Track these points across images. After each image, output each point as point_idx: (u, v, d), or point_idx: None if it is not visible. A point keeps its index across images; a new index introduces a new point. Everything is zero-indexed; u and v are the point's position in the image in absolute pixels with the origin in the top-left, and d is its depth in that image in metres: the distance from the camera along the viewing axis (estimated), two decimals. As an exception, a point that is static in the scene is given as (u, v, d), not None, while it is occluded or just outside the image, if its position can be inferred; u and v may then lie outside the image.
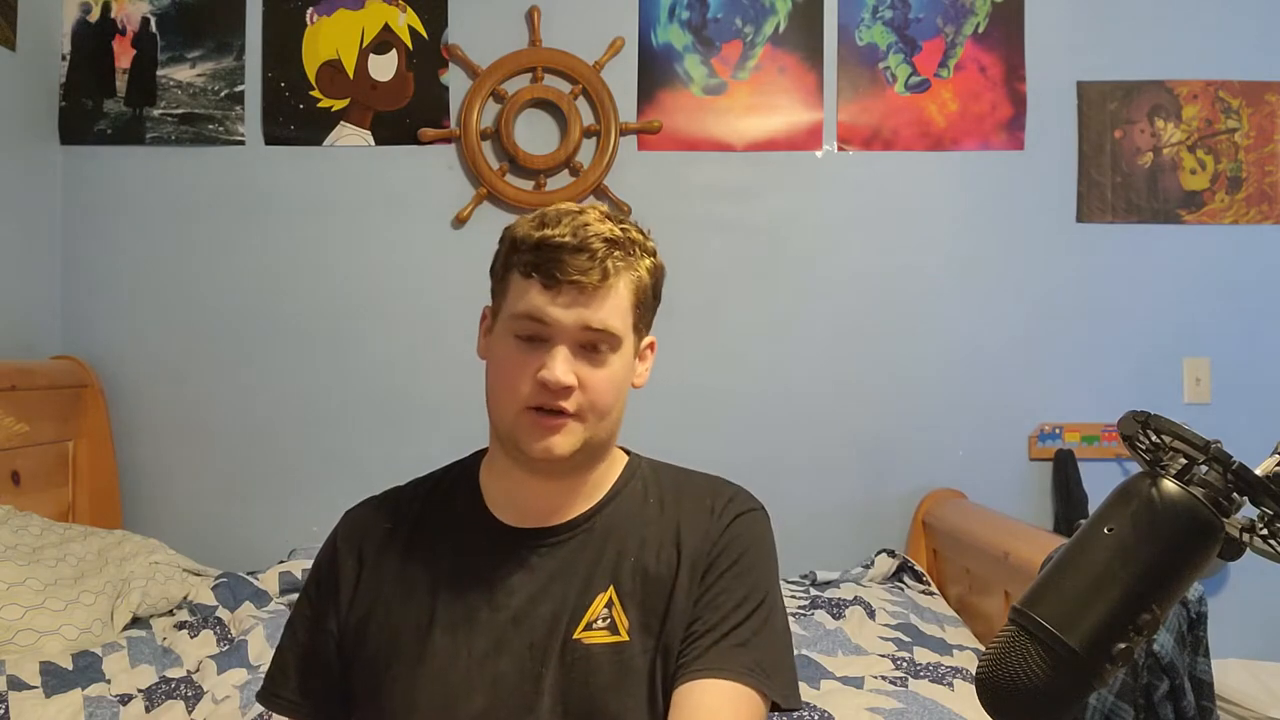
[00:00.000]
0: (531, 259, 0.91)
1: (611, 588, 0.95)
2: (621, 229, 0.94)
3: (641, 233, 0.97)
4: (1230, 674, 2.26)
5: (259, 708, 1.49)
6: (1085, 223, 2.59)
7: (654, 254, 0.98)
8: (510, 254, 0.94)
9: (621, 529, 0.98)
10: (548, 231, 0.91)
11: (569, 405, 0.91)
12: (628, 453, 1.06)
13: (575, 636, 0.93)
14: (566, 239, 0.90)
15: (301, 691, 1.01)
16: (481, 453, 1.05)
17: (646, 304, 0.97)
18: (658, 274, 0.99)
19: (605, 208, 0.97)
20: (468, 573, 0.97)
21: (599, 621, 0.93)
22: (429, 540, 1.00)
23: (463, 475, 1.04)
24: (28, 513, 2.00)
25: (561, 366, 0.90)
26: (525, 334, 0.92)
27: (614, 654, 0.92)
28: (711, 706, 0.89)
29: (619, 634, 0.93)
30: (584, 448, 0.94)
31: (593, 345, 0.92)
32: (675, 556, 0.96)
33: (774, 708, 0.94)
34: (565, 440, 0.92)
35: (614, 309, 0.92)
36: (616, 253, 0.92)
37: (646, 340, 1.01)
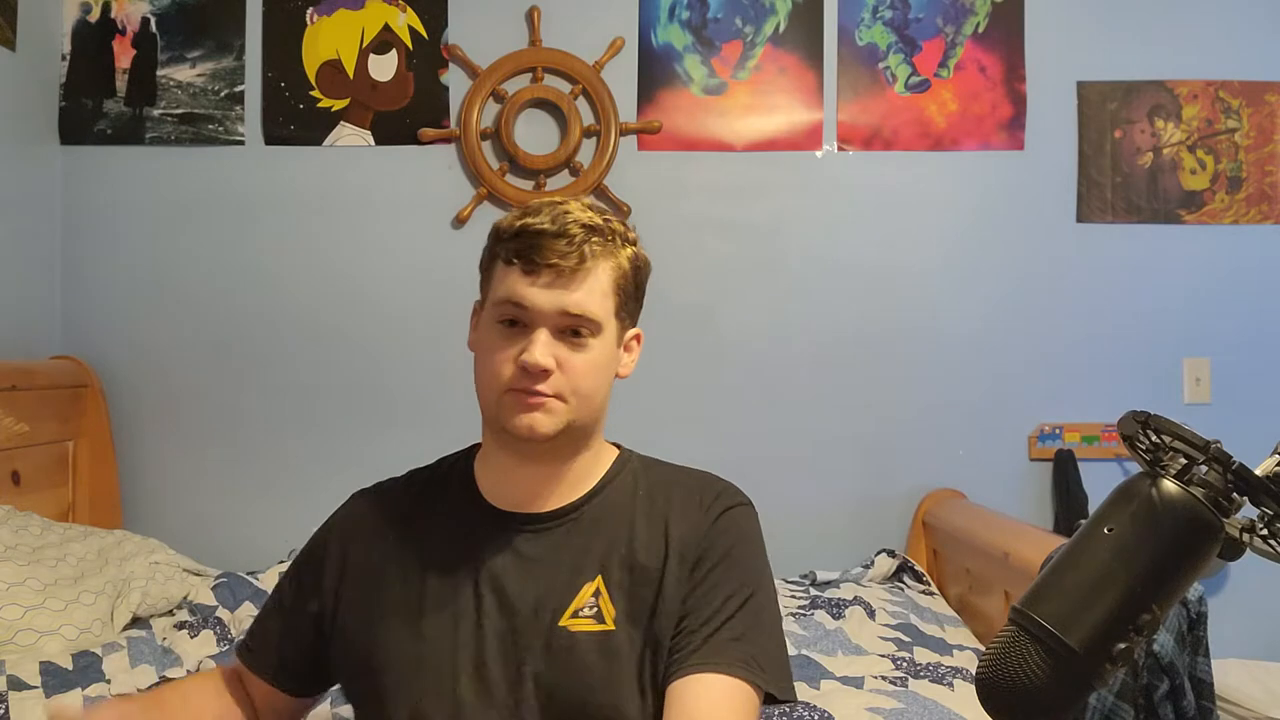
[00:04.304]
0: (513, 246, 0.94)
1: (599, 577, 0.96)
2: (603, 219, 0.96)
3: (623, 224, 0.99)
4: (1230, 674, 2.26)
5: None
6: (1085, 223, 2.59)
7: (635, 244, 1.00)
8: (495, 244, 0.97)
9: (610, 520, 0.99)
10: (529, 220, 0.94)
11: (548, 388, 0.93)
12: (619, 447, 1.07)
13: (561, 624, 0.93)
14: (545, 225, 0.92)
15: (278, 657, 1.05)
16: (475, 447, 1.07)
17: (628, 292, 0.99)
18: (639, 264, 1.00)
19: (589, 199, 1.00)
20: (454, 554, 0.98)
21: (585, 610, 0.94)
22: (420, 527, 1.02)
23: (456, 466, 1.06)
24: (28, 513, 2.00)
25: (541, 349, 0.92)
26: (507, 319, 0.94)
27: (599, 643, 0.93)
28: (707, 701, 0.89)
29: (605, 623, 0.94)
30: (567, 429, 0.95)
31: (572, 329, 0.94)
32: (664, 549, 0.97)
33: (769, 700, 0.94)
34: (548, 419, 0.93)
35: (592, 293, 0.94)
36: (595, 238, 0.94)
37: (632, 332, 1.02)
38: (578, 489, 1.01)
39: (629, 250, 0.98)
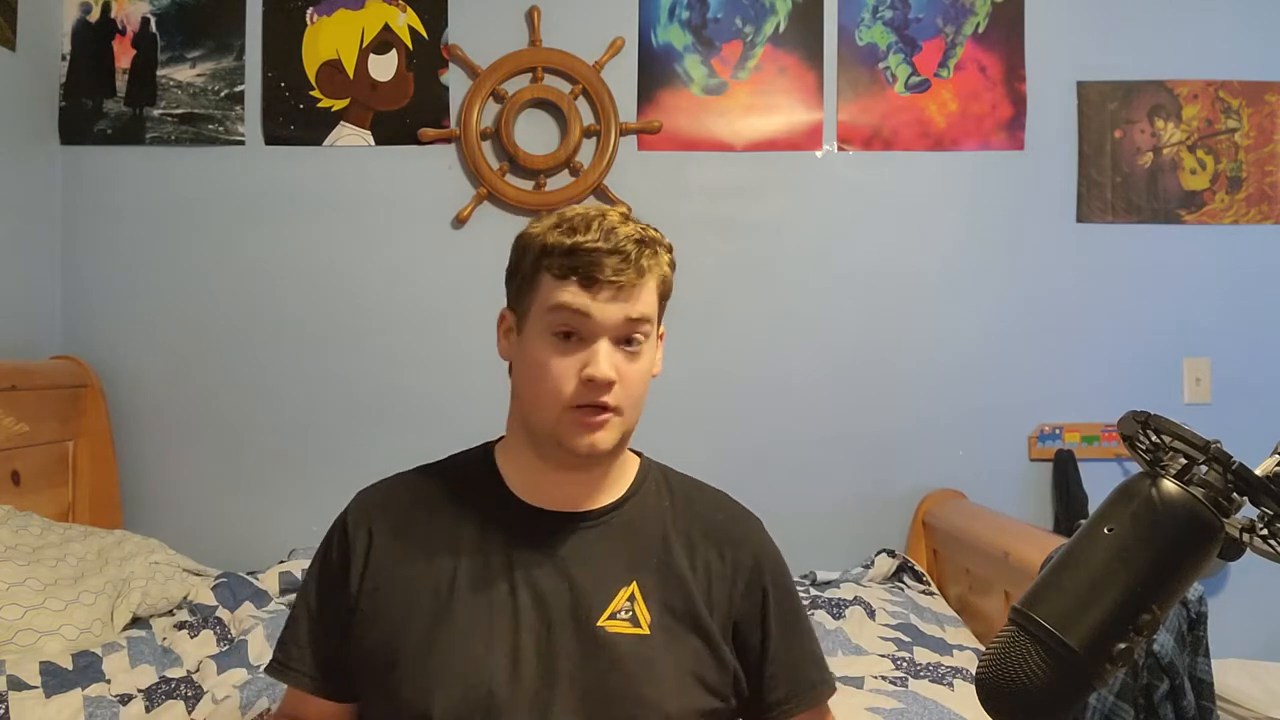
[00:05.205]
0: (567, 263, 0.94)
1: (635, 583, 0.98)
2: (641, 228, 0.98)
3: (655, 230, 1.01)
4: (1230, 674, 2.25)
5: (259, 708, 1.49)
6: (1085, 223, 2.59)
7: (670, 249, 1.03)
8: (541, 258, 0.96)
9: (643, 527, 1.02)
10: (579, 238, 0.94)
11: (611, 400, 0.95)
12: (636, 453, 1.09)
13: (599, 624, 0.95)
14: (600, 243, 0.93)
15: (315, 662, 1.02)
16: (491, 444, 1.08)
17: (667, 296, 1.02)
18: (673, 267, 1.03)
19: (623, 208, 1.01)
20: (487, 549, 0.99)
21: (621, 613, 0.97)
22: (449, 518, 1.01)
23: (477, 461, 1.06)
24: (28, 513, 2.00)
25: (605, 362, 0.93)
26: (564, 329, 0.95)
27: (635, 645, 0.95)
28: None
29: (640, 627, 0.96)
30: (620, 440, 0.99)
31: (629, 338, 0.96)
32: (696, 570, 1.01)
33: None
34: (608, 435, 0.96)
35: (649, 302, 0.97)
36: (646, 251, 0.96)
37: (659, 329, 1.06)
38: (611, 493, 1.03)
39: (667, 256, 1.01)
